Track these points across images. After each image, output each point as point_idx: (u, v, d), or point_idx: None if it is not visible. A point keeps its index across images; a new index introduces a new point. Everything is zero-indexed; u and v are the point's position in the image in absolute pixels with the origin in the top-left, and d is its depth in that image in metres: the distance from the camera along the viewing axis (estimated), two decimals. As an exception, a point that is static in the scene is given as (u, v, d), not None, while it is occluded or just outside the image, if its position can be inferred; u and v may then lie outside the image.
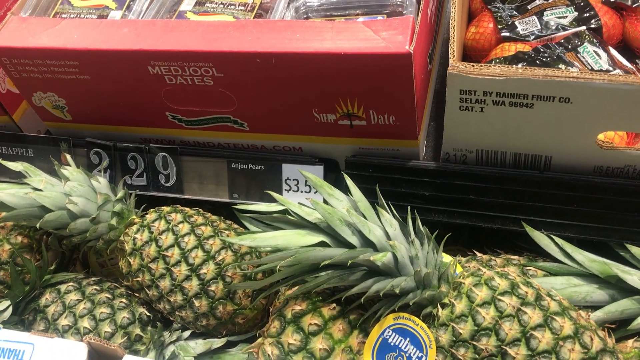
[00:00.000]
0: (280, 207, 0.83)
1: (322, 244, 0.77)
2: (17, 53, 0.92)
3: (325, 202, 0.81)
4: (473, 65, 0.78)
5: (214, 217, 0.99)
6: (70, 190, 0.92)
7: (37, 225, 0.91)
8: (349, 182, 0.83)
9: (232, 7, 0.96)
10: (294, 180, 0.97)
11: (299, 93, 0.88)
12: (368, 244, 0.77)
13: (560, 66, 0.88)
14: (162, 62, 0.87)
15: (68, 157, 0.99)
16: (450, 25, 0.84)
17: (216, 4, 0.96)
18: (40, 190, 0.92)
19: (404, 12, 0.93)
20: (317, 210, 0.78)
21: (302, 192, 0.97)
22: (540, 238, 0.89)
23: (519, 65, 0.89)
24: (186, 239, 0.93)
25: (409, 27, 0.80)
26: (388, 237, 0.78)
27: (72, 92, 0.97)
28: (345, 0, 0.97)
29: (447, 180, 0.90)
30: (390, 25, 0.81)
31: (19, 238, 1.02)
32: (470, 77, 0.78)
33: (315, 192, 0.96)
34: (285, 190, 0.97)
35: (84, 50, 0.89)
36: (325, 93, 0.87)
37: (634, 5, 0.96)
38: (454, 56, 0.80)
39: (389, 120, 0.89)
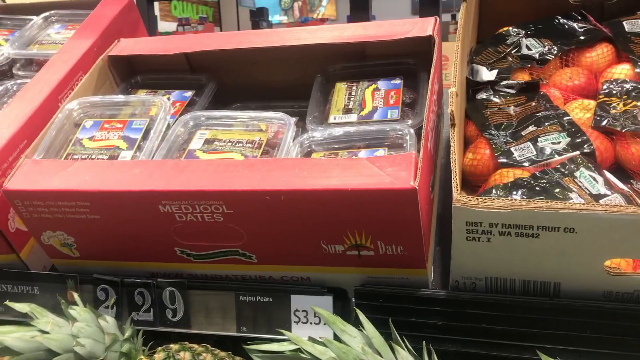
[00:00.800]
0: (293, 346, 0.82)
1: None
2: (30, 195, 0.94)
3: (337, 338, 0.80)
4: (477, 199, 0.80)
5: (222, 354, 0.97)
6: (77, 331, 0.91)
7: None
8: (362, 317, 0.82)
9: (240, 144, 1.00)
10: (303, 311, 0.96)
11: (307, 226, 0.89)
12: (384, 382, 0.76)
13: (558, 191, 0.91)
14: (173, 202, 0.89)
15: (75, 295, 0.98)
16: (451, 159, 0.88)
17: (224, 142, 1.00)
18: (47, 332, 0.91)
19: (404, 144, 0.97)
20: (330, 349, 0.77)
21: (311, 323, 0.96)
22: (557, 366, 0.88)
23: (519, 192, 0.92)
24: (195, 379, 0.91)
25: (412, 163, 0.84)
26: (404, 375, 0.77)
27: (82, 230, 0.98)
28: (347, 133, 1.01)
29: (458, 309, 0.90)
30: (394, 162, 0.84)
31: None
32: (475, 210, 0.80)
33: (325, 324, 0.95)
34: (295, 322, 0.96)
35: (96, 192, 0.91)
36: (333, 226, 0.88)
37: (623, 130, 1.00)
38: (457, 190, 0.82)
39: (397, 250, 0.90)
